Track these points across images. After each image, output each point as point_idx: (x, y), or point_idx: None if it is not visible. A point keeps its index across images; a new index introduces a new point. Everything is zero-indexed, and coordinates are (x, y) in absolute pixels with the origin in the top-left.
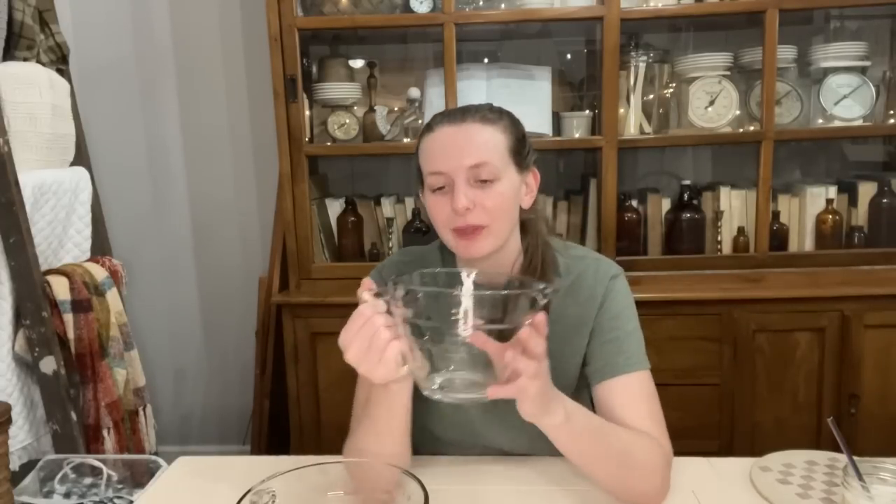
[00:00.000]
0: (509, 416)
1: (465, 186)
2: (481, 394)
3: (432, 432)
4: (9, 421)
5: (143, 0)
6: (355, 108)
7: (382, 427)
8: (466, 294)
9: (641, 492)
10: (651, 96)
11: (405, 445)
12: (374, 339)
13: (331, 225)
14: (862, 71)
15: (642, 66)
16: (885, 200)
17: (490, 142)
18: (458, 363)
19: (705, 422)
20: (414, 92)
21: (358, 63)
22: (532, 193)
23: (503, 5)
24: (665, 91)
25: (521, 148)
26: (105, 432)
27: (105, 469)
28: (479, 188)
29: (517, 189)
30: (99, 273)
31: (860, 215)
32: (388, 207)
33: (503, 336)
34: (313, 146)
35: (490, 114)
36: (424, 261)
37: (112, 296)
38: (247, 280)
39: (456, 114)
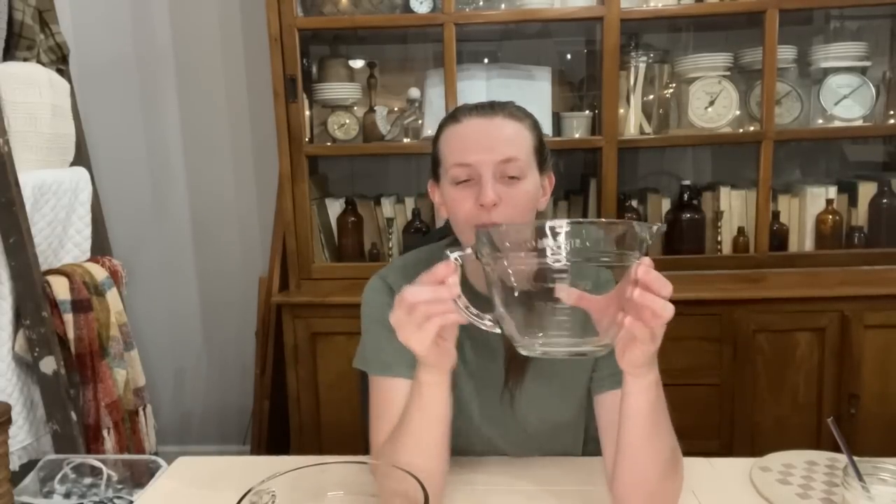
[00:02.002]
0: (513, 424)
1: (492, 181)
2: (595, 346)
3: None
4: (9, 421)
5: (143, 0)
6: (355, 108)
7: (422, 438)
8: (560, 227)
9: (674, 490)
10: (651, 96)
11: (444, 461)
12: (417, 308)
13: (331, 225)
14: (862, 71)
15: (642, 66)
16: (885, 200)
17: (519, 137)
18: (556, 323)
19: (705, 422)
20: (414, 92)
21: (358, 63)
22: (547, 196)
23: (503, 5)
24: (665, 91)
25: (542, 149)
26: (105, 432)
27: (105, 469)
28: (505, 185)
29: (538, 189)
30: (99, 273)
31: (860, 215)
32: (388, 207)
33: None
34: (313, 146)
35: (517, 111)
36: (433, 262)
37: (112, 296)
38: (247, 280)
39: (485, 107)
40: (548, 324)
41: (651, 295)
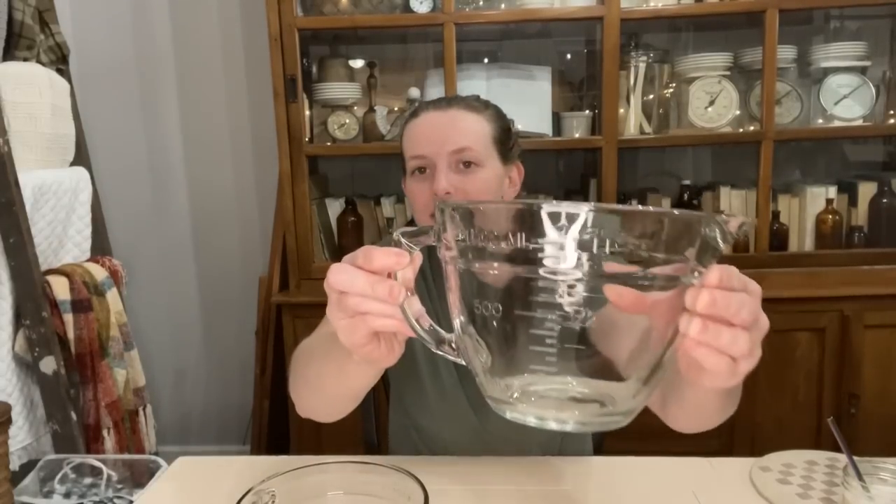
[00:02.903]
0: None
1: (446, 170)
2: (602, 416)
3: (428, 432)
4: (9, 421)
5: (143, 0)
6: (355, 108)
7: (326, 390)
8: (583, 213)
9: (733, 410)
10: (651, 96)
11: (344, 408)
12: (346, 298)
13: (331, 225)
14: (862, 71)
15: (642, 66)
16: (885, 200)
17: (473, 128)
18: (548, 360)
19: None
20: (414, 92)
21: (358, 63)
22: (515, 188)
23: (503, 5)
24: (665, 91)
25: (506, 139)
26: (105, 432)
27: (105, 469)
28: (460, 173)
29: (500, 180)
30: (99, 273)
31: (860, 215)
32: (388, 207)
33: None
34: (313, 146)
35: (475, 103)
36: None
37: (112, 296)
38: (247, 280)
39: (441, 101)
40: (531, 364)
41: (716, 327)
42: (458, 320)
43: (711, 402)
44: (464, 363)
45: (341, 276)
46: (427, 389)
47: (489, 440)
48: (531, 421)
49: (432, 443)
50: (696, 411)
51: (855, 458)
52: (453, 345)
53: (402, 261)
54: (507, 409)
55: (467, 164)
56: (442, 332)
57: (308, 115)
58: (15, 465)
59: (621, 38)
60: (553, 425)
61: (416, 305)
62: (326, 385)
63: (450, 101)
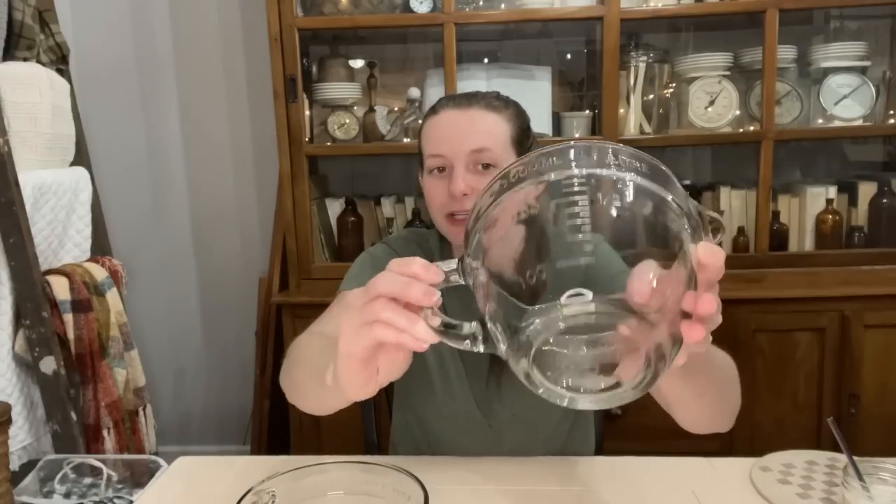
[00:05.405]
0: (500, 408)
1: (463, 171)
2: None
3: (432, 428)
4: (9, 421)
5: (143, 0)
6: (355, 108)
7: (311, 399)
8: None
9: (732, 408)
10: (651, 96)
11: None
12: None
13: (331, 225)
14: (862, 71)
15: (642, 66)
16: (885, 200)
17: (493, 129)
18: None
19: None
20: (414, 92)
21: (358, 63)
22: None
23: (503, 5)
24: (665, 91)
25: (524, 139)
26: (105, 432)
27: (105, 469)
28: (477, 174)
29: None
30: (99, 273)
31: (860, 215)
32: (388, 207)
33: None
34: (313, 146)
35: (496, 101)
36: (424, 242)
37: (112, 296)
38: (247, 280)
39: (462, 99)
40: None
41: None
42: (486, 315)
43: (685, 389)
44: (481, 350)
45: (384, 280)
46: (435, 386)
47: (494, 437)
48: (561, 397)
49: (436, 439)
50: (686, 402)
51: (855, 458)
52: (477, 335)
53: (435, 279)
54: (535, 386)
55: (486, 165)
56: (460, 324)
57: (308, 115)
58: (15, 465)
59: (621, 38)
60: (582, 402)
61: (437, 296)
62: (309, 394)
63: (470, 99)
